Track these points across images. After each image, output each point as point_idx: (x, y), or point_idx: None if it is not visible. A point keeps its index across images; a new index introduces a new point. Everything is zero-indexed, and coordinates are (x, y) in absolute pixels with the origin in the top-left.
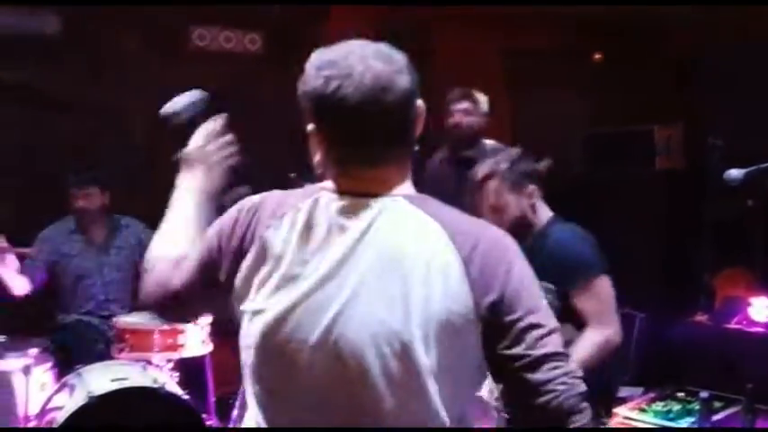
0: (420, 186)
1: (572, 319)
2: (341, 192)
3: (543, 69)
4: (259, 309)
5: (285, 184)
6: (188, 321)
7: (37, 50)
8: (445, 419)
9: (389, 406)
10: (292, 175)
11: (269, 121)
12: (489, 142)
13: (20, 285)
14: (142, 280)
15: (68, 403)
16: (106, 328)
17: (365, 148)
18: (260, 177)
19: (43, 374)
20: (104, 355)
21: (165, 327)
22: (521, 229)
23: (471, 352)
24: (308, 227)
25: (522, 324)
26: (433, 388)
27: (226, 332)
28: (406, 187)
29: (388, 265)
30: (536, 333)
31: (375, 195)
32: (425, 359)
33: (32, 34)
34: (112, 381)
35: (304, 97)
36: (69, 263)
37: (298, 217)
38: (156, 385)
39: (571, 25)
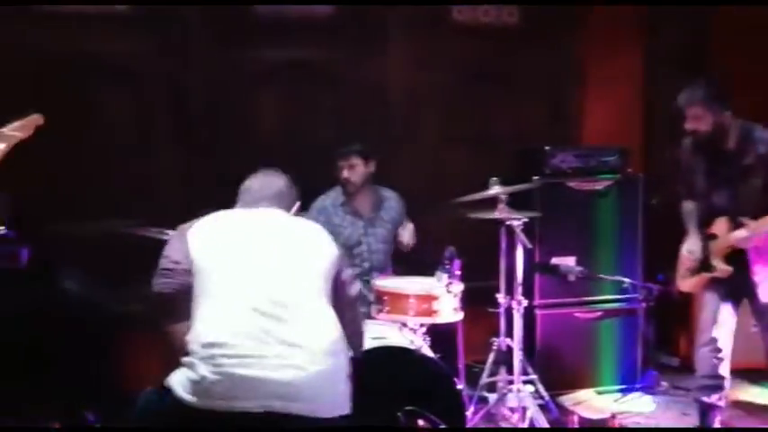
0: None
1: None
2: None
3: None
4: None
5: (537, 155)
6: None
7: (310, 30)
8: None
9: None
10: (547, 148)
11: (525, 93)
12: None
13: None
14: None
15: None
16: (367, 292)
17: None
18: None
19: None
20: (365, 316)
21: (421, 292)
22: None
23: None
24: None
25: None
26: None
27: (476, 301)
28: None
29: None
30: None
31: None
32: None
33: (306, 16)
34: (373, 339)
35: None
36: (341, 233)
37: None
38: (412, 346)
39: None
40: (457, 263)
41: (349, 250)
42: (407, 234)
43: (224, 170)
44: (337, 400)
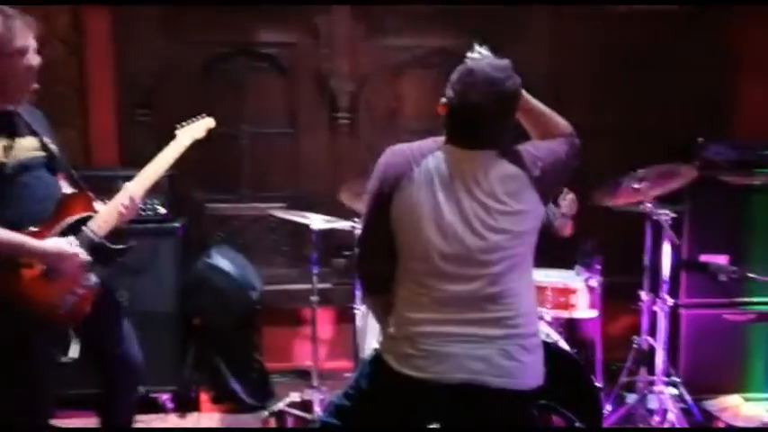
0: None
1: None
2: None
3: None
4: None
5: (689, 147)
6: None
7: (453, 18)
8: None
9: None
10: (700, 139)
11: (675, 81)
12: None
13: None
14: None
15: None
16: None
17: None
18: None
19: None
20: None
21: (559, 285)
22: None
23: None
24: None
25: None
26: None
27: (616, 297)
28: None
29: None
30: None
31: None
32: None
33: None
34: None
35: None
36: None
37: None
38: (548, 340)
39: None
40: (597, 257)
41: None
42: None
43: (368, 156)
44: (534, 371)
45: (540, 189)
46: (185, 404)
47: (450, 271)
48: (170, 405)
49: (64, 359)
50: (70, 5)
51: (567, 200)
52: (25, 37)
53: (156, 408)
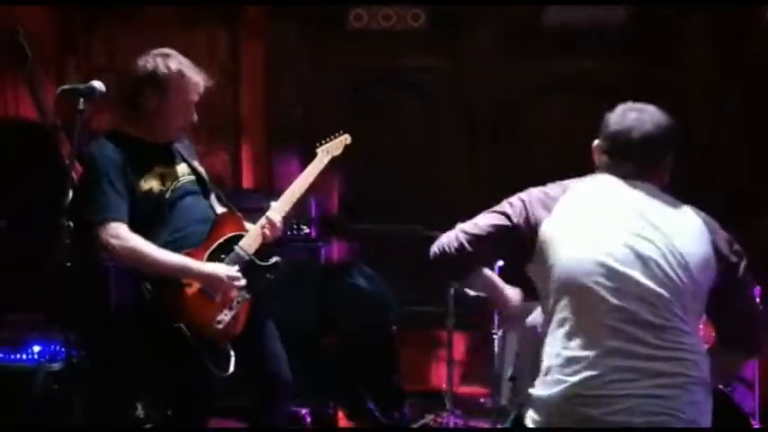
0: None
1: None
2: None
3: None
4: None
5: None
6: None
7: (598, 40)
8: None
9: None
10: None
11: None
12: None
13: None
14: None
15: None
16: None
17: None
18: None
19: None
20: None
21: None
22: None
23: None
24: None
25: None
26: None
27: None
28: None
29: None
30: None
31: None
32: None
33: (595, 25)
34: None
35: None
36: None
37: None
38: None
39: None
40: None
41: None
42: None
43: (508, 179)
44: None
45: None
46: (323, 420)
47: None
48: (308, 420)
49: (223, 374)
50: (229, 34)
51: None
52: (195, 79)
53: (296, 422)
